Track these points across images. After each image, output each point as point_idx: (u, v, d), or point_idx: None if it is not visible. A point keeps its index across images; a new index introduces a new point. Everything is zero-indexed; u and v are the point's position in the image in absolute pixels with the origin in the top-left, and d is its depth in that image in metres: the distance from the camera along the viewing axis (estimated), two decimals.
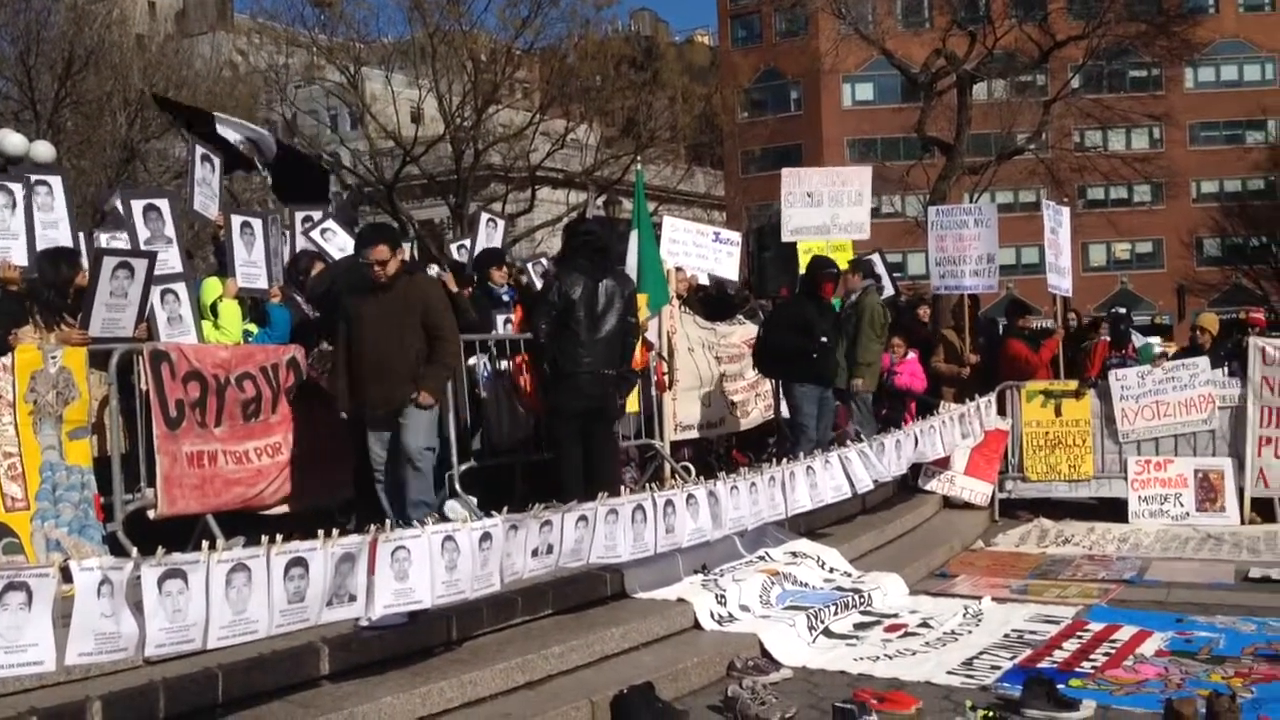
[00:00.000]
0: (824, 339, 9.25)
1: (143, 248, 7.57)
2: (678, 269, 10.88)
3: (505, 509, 5.68)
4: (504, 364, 8.74)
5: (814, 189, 11.48)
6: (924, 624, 7.13)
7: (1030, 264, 42.79)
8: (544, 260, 12.54)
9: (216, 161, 8.94)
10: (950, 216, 11.77)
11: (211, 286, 8.16)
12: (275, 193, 9.86)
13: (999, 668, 6.19)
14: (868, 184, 11.76)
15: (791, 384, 9.52)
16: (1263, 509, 10.38)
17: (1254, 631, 6.72)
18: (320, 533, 4.76)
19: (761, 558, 8.00)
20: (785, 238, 11.44)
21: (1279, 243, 47.83)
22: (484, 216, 12.06)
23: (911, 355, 11.41)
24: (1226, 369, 10.77)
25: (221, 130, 9.84)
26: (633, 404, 9.29)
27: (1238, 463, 10.47)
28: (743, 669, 6.15)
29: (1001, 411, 10.88)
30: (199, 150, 8.80)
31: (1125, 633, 6.79)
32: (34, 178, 7.95)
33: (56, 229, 7.84)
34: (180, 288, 7.78)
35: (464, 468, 8.25)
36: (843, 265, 10.72)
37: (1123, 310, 13.97)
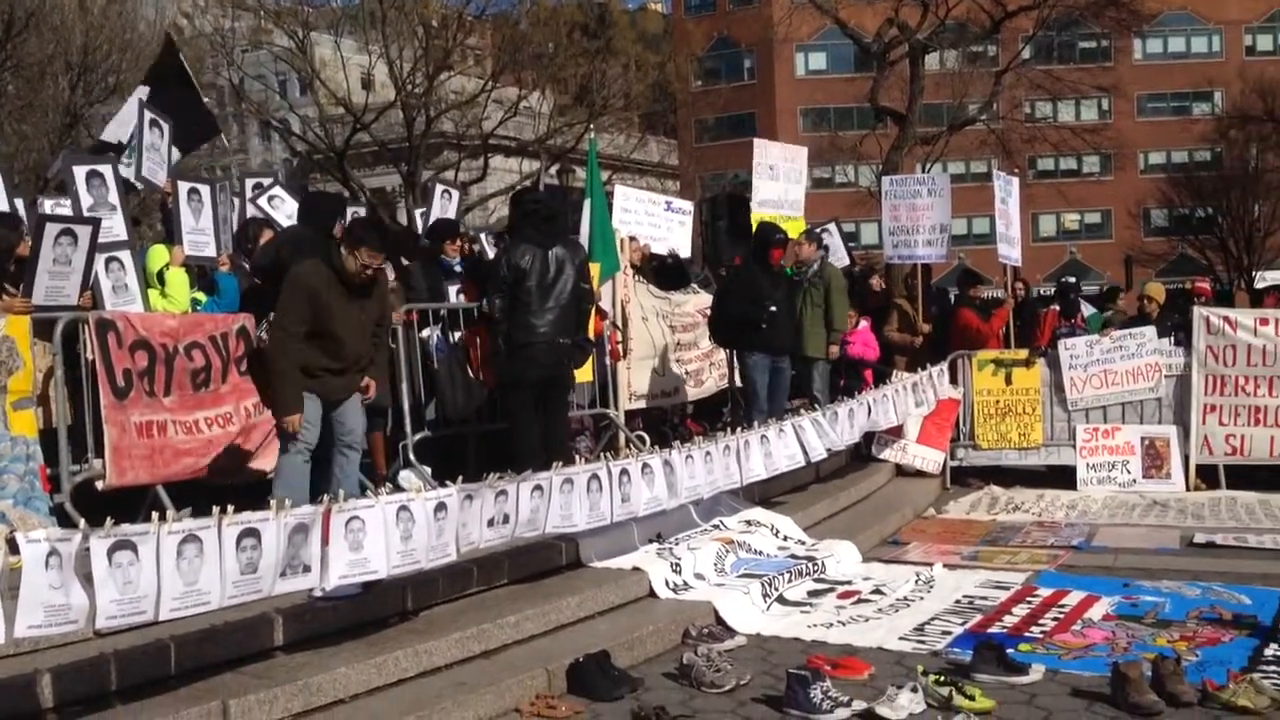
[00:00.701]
0: (773, 308, 9.26)
1: (86, 214, 7.42)
2: (631, 238, 10.86)
3: (460, 479, 5.66)
4: (456, 335, 8.68)
5: (774, 162, 11.52)
6: (877, 591, 7.20)
7: (981, 234, 43.13)
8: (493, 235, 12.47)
9: (165, 127, 8.77)
10: (904, 186, 11.84)
11: (158, 254, 8.02)
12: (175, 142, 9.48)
13: (950, 633, 6.27)
14: (804, 162, 11.89)
15: (742, 353, 9.56)
16: (1207, 475, 10.58)
17: (1198, 596, 6.86)
18: (273, 503, 4.71)
19: (716, 526, 8.04)
20: (754, 209, 11.45)
21: (1224, 214, 48.53)
22: (439, 188, 11.94)
23: (864, 324, 11.50)
24: (1173, 338, 10.94)
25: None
26: (586, 373, 9.29)
27: (1183, 430, 10.65)
28: (698, 637, 6.19)
29: (953, 380, 10.99)
30: (148, 115, 8.63)
31: (1073, 598, 6.90)
32: None
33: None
34: (125, 255, 7.64)
35: (418, 438, 8.23)
36: (795, 235, 10.75)
37: (1072, 280, 14.12)
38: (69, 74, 25.51)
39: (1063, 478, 10.81)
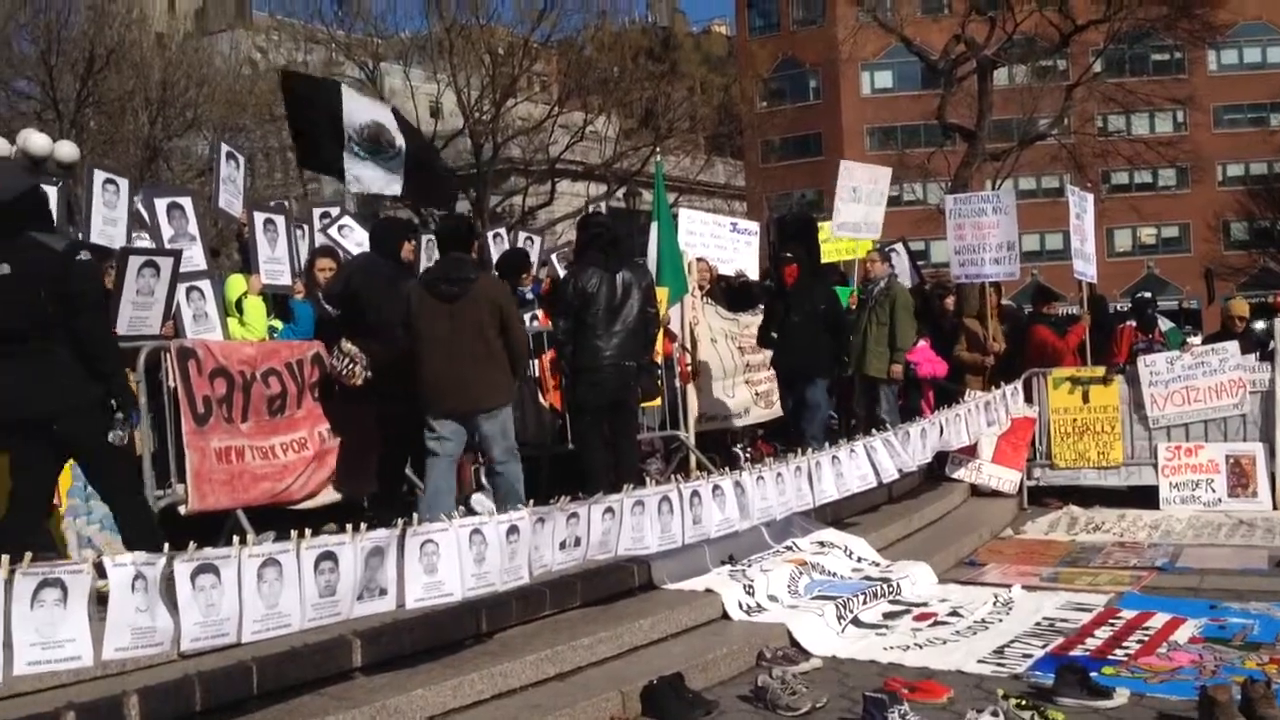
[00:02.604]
0: (773, 334, 9.39)
1: (167, 246, 7.61)
2: (699, 259, 10.87)
3: (531, 502, 5.69)
4: (530, 362, 8.75)
5: (858, 184, 11.43)
6: (954, 613, 7.10)
7: (1054, 250, 42.54)
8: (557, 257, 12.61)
9: (241, 160, 8.97)
10: (968, 205, 11.69)
11: (236, 283, 8.19)
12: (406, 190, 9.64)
13: (1031, 656, 6.15)
14: (887, 184, 11.83)
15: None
16: None
17: None
18: (349, 526, 4.77)
19: (789, 548, 7.99)
20: (833, 232, 11.40)
21: None
22: (522, 235, 12.12)
23: (923, 343, 11.35)
24: (1258, 354, 10.67)
25: (349, 106, 9.39)
26: (655, 400, 9.31)
27: (1269, 448, 10.36)
28: (772, 659, 6.14)
29: (1028, 399, 10.81)
30: (224, 148, 8.84)
31: (1158, 620, 6.74)
32: (104, 176, 8.03)
33: (115, 227, 7.91)
34: (205, 285, 7.81)
35: None
36: (862, 253, 10.73)
37: (1149, 295, 13.85)
38: (148, 109, 26.24)
39: (1144, 497, 10.56)
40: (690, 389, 9.96)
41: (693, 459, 9.74)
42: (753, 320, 11.10)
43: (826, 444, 8.20)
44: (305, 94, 9.57)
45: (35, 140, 12.74)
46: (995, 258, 11.27)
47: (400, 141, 9.45)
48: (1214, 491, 10.39)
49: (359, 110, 9.44)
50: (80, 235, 7.71)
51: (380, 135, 9.34)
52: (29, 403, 5.22)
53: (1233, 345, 10.75)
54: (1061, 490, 10.91)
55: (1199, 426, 10.64)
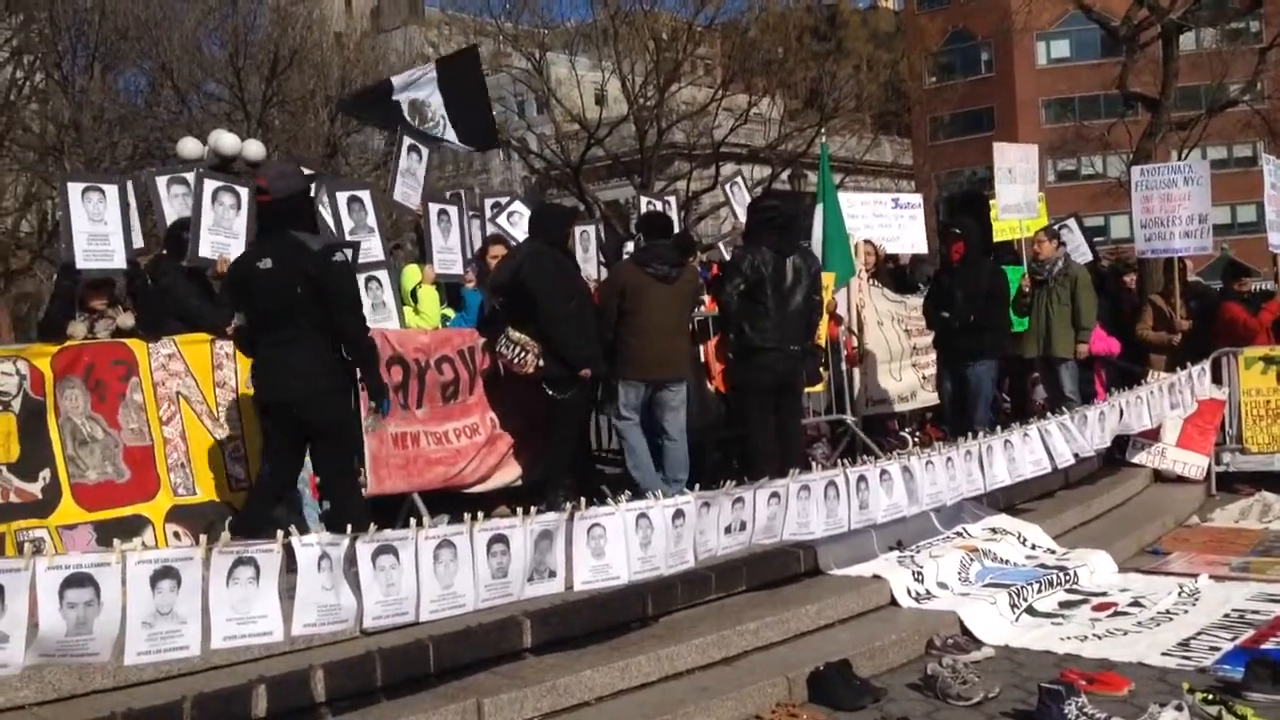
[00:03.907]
0: (944, 314, 9.15)
1: (348, 238, 7.93)
2: (866, 241, 10.71)
3: (697, 486, 5.73)
4: (697, 347, 8.80)
5: (1012, 165, 11.09)
6: (1135, 603, 6.84)
7: (1247, 222, 40.22)
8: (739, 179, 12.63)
9: (425, 152, 9.18)
10: (1157, 176, 11.17)
11: (411, 273, 8.48)
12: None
13: (1218, 649, 5.89)
14: (1036, 159, 11.40)
15: None
16: None
17: None
18: (519, 510, 4.91)
19: (959, 534, 7.83)
20: (1000, 217, 11.09)
21: None
22: (643, 201, 12.11)
23: None
24: None
25: (403, 96, 9.96)
26: (818, 385, 9.25)
27: None
28: (942, 647, 6.05)
29: (1217, 380, 10.30)
30: (406, 141, 9.08)
31: None
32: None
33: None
34: (383, 275, 8.11)
35: None
36: (1030, 233, 10.39)
37: None
38: (328, 107, 27.28)
39: None
40: (856, 372, 9.85)
41: (859, 443, 9.63)
42: (919, 302, 10.89)
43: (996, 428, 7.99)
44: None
45: (225, 140, 13.41)
46: (1186, 230, 10.77)
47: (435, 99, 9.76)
48: None
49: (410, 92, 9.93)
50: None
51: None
52: (275, 388, 5.66)
53: None
54: (1254, 476, 10.35)
55: None
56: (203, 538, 4.02)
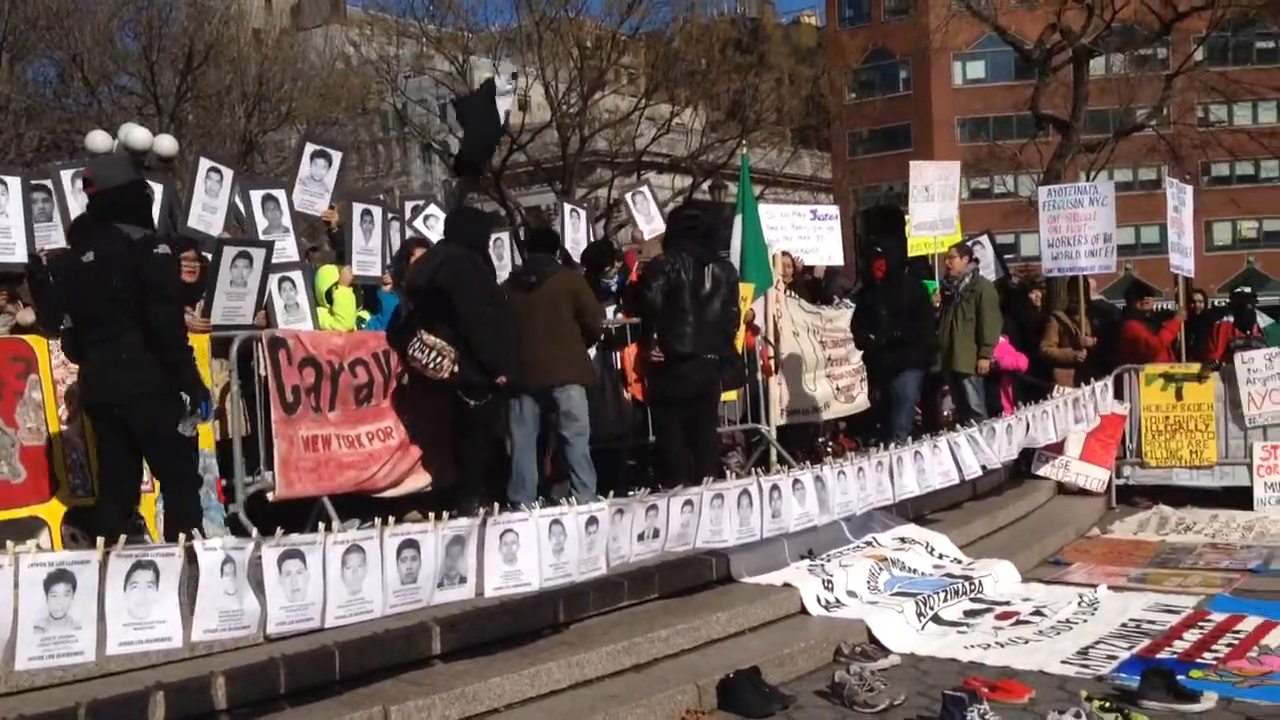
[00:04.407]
0: (871, 335, 9.27)
1: (261, 237, 7.80)
2: (784, 253, 10.82)
3: (611, 493, 5.73)
4: (614, 355, 8.80)
5: (929, 182, 11.29)
6: (1037, 612, 6.99)
7: (1150, 243, 41.45)
8: (645, 188, 12.65)
9: (336, 156, 9.01)
10: (1063, 196, 11.45)
11: (327, 274, 8.37)
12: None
13: (1116, 657, 6.04)
14: (957, 176, 11.66)
15: None
16: None
17: None
18: (431, 515, 4.86)
19: (869, 543, 7.93)
20: (912, 234, 11.28)
21: None
22: (566, 208, 12.10)
23: (1002, 338, 11.14)
24: None
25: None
26: (732, 394, 9.30)
27: None
28: (850, 655, 6.12)
29: (1119, 395, 10.58)
30: (310, 148, 8.92)
31: (1249, 623, 6.56)
32: (209, 164, 8.24)
33: (214, 215, 8.12)
34: (297, 275, 8.00)
35: None
36: (945, 248, 10.61)
37: (1248, 290, 13.44)
38: (244, 103, 26.82)
39: (1238, 498, 10.27)
40: (772, 382, 9.94)
41: (773, 452, 9.72)
42: (835, 314, 11.04)
43: (909, 438, 8.12)
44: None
45: (136, 134, 13.13)
46: (1091, 250, 11.04)
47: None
48: None
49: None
50: (178, 223, 7.94)
51: None
52: (99, 388, 5.44)
53: None
54: (1152, 489, 10.66)
55: None
56: (100, 540, 3.91)
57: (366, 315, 8.54)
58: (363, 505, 6.87)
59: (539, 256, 7.81)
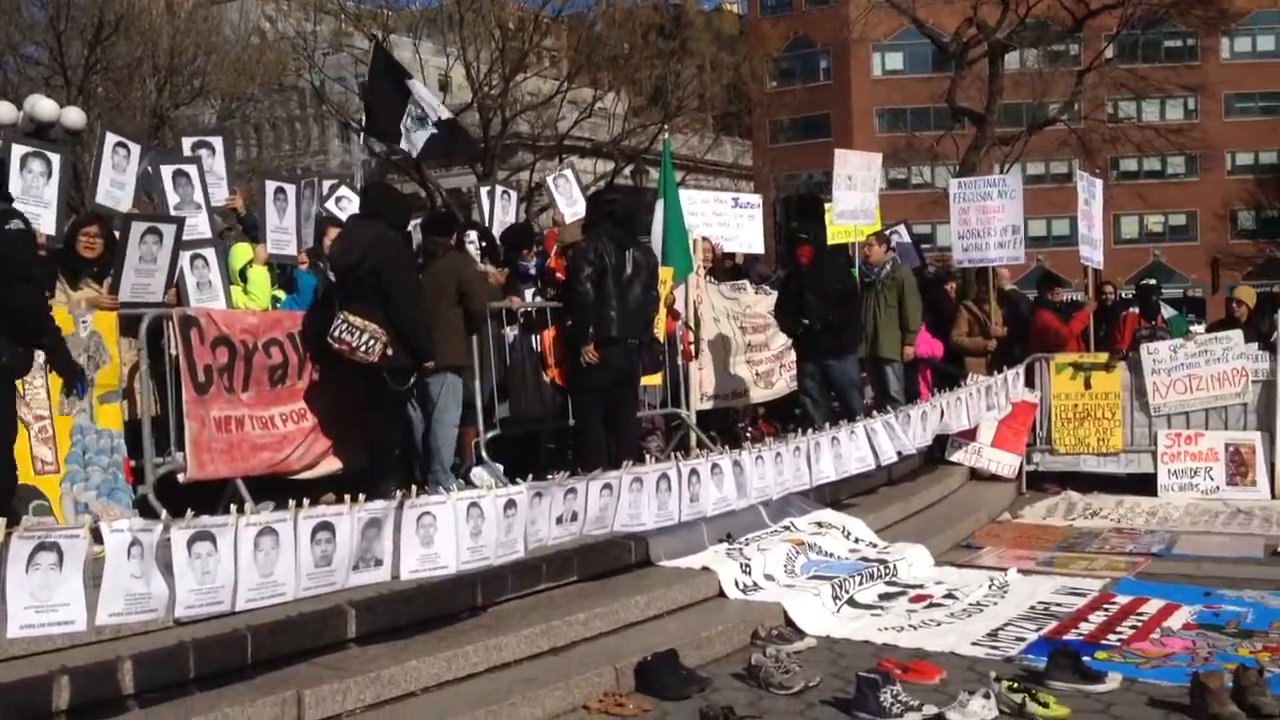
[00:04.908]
0: (805, 322, 9.31)
1: (172, 213, 7.60)
2: (704, 239, 10.85)
3: (530, 476, 5.70)
4: (532, 338, 8.75)
5: (852, 172, 11.40)
6: (949, 595, 7.12)
7: (1061, 236, 42.46)
8: (568, 171, 12.63)
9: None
10: (973, 189, 11.63)
11: (241, 252, 8.19)
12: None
13: (1024, 639, 6.18)
14: (879, 168, 11.83)
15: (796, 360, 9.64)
16: None
17: None
18: (347, 498, 4.79)
19: (786, 527, 8.00)
20: (834, 222, 11.38)
21: None
22: (498, 190, 12.01)
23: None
24: (1260, 343, 10.64)
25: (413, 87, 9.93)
26: (655, 378, 9.32)
27: (1269, 437, 10.34)
28: (767, 638, 6.17)
29: (1030, 384, 10.81)
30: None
31: (1152, 606, 6.75)
32: (116, 139, 7.94)
33: (122, 190, 7.87)
34: (210, 253, 7.80)
35: (490, 435, 8.30)
36: (863, 237, 10.73)
37: (1153, 282, 13.81)
38: (156, 77, 26.15)
39: (1142, 484, 10.56)
40: (692, 367, 9.97)
41: (693, 437, 9.75)
42: (755, 300, 11.10)
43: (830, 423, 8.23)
44: (385, 68, 10.09)
45: (42, 106, 12.74)
46: (1000, 241, 11.23)
47: (434, 112, 9.79)
48: (1212, 479, 10.38)
49: (417, 85, 9.96)
50: (86, 198, 7.68)
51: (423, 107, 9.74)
52: None
53: (1236, 334, 10.72)
54: (1060, 476, 10.92)
55: (1199, 415, 10.62)
56: (1, 521, 3.78)
57: (282, 294, 8.38)
58: (277, 487, 6.76)
59: (430, 239, 7.82)
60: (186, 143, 8.78)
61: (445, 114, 10.10)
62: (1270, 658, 5.69)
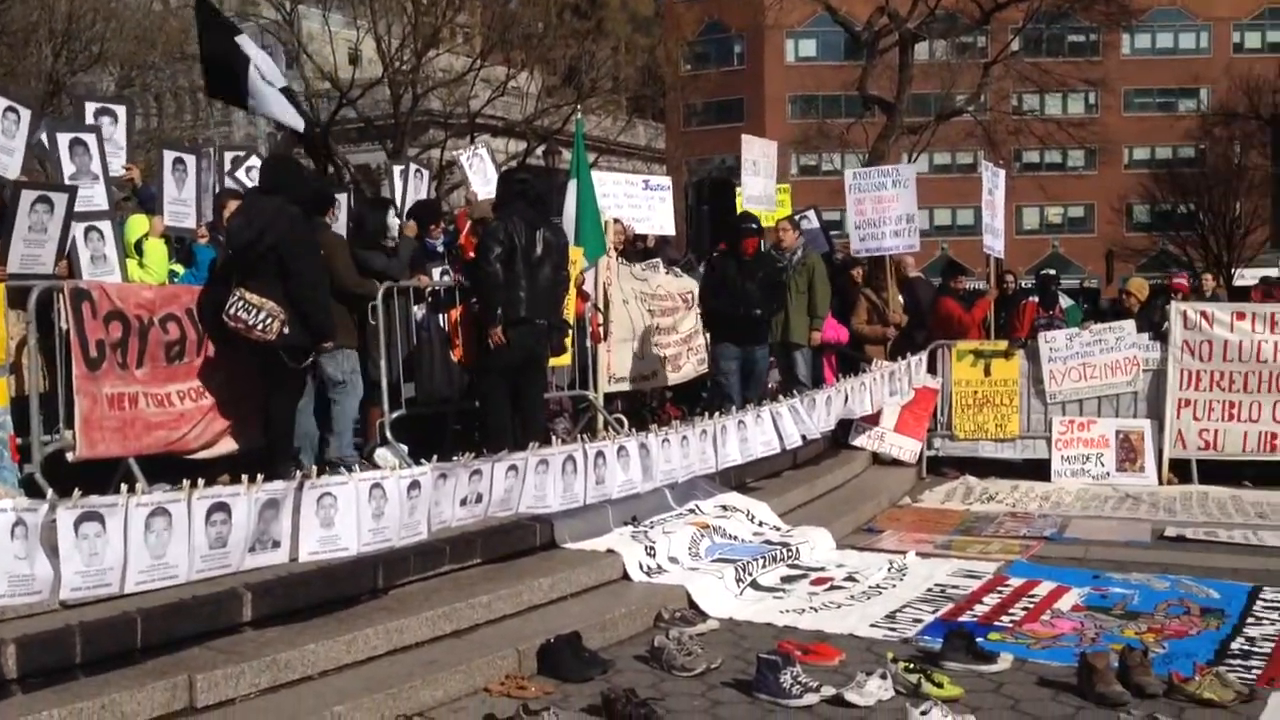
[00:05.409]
0: (757, 311, 9.44)
1: (68, 183, 7.34)
2: (615, 220, 10.83)
3: (435, 457, 5.64)
4: (439, 316, 8.65)
5: (757, 158, 11.51)
6: (850, 578, 7.23)
7: (965, 225, 43.32)
8: (483, 150, 12.50)
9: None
10: (868, 179, 11.78)
11: (137, 224, 7.94)
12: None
13: (921, 621, 6.30)
14: (775, 156, 11.99)
15: (714, 344, 9.66)
16: (1180, 470, 10.63)
17: (1167, 589, 6.90)
18: (245, 478, 4.69)
19: (692, 510, 8.05)
20: (744, 206, 11.45)
21: (1206, 211, 48.73)
22: (412, 167, 11.84)
23: None
24: (1151, 333, 10.98)
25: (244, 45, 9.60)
26: (565, 358, 9.29)
27: (1158, 424, 10.70)
28: (670, 620, 6.20)
29: (932, 370, 11.02)
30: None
31: (1044, 588, 6.94)
32: (5, 103, 7.62)
33: (11, 157, 7.55)
34: (105, 225, 7.56)
35: (395, 416, 8.18)
36: (772, 222, 10.83)
37: (1052, 272, 14.15)
38: (52, 42, 25.24)
39: (1038, 469, 10.86)
40: (601, 349, 9.94)
41: (600, 420, 9.74)
42: (664, 283, 11.11)
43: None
44: (216, 24, 9.73)
45: None
46: (895, 230, 11.41)
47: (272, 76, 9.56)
48: (1103, 465, 10.70)
49: (248, 43, 9.66)
50: None
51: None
52: None
53: (1129, 324, 11.05)
54: (960, 461, 11.17)
55: (1093, 402, 10.93)
56: None
57: (180, 269, 8.16)
58: (173, 467, 6.58)
59: (318, 220, 7.64)
60: (90, 108, 8.44)
61: (282, 82, 9.80)
62: (1155, 638, 5.89)
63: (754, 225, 9.77)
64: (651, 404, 11.38)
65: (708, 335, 10.78)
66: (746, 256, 9.52)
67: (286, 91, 9.86)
